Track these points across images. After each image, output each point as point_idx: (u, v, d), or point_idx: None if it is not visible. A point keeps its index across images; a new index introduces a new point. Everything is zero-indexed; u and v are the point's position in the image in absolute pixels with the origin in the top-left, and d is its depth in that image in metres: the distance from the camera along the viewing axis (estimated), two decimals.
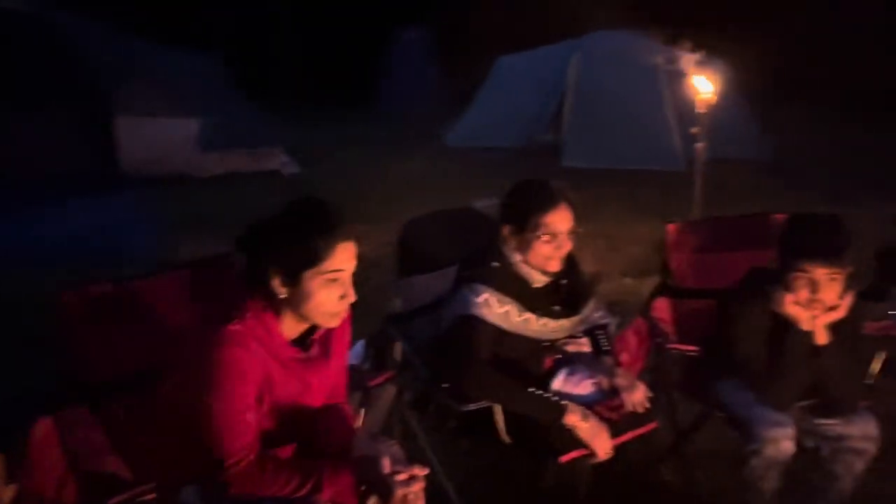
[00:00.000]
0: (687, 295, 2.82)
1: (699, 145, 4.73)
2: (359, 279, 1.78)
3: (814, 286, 2.19)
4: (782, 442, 2.22)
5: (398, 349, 2.47)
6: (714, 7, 11.63)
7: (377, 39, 13.76)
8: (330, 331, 1.85)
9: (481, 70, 10.41)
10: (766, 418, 2.27)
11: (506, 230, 2.29)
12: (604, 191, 7.42)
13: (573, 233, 2.25)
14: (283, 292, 1.71)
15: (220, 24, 14.45)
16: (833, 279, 2.19)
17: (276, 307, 1.74)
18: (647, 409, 2.28)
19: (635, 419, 2.28)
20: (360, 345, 2.65)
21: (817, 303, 2.21)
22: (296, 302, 1.72)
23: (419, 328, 2.51)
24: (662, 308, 2.78)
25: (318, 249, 1.69)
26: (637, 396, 2.27)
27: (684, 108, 7.71)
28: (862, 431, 2.26)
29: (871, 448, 2.26)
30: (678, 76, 6.70)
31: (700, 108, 4.72)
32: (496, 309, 2.22)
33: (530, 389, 2.17)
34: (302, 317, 1.76)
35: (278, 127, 9.59)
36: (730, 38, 9.13)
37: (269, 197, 2.79)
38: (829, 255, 2.16)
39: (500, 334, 2.23)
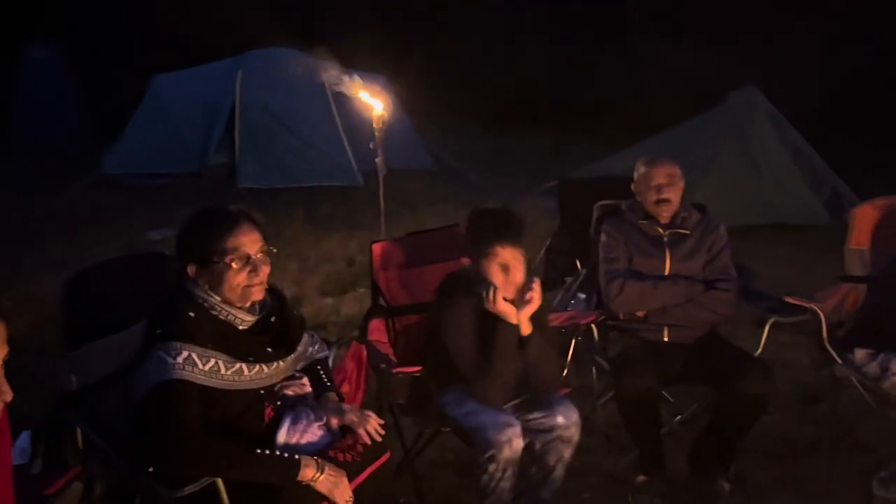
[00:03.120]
0: (399, 312, 2.79)
1: (378, 159, 4.80)
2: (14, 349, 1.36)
3: (505, 269, 2.38)
4: (514, 441, 2.30)
5: (79, 435, 1.99)
6: (372, 28, 12.21)
7: None
8: None
9: (132, 89, 9.42)
10: (494, 423, 2.32)
11: (191, 269, 1.99)
12: (287, 211, 7.23)
13: (265, 252, 2.03)
14: None
15: None
16: (518, 259, 2.41)
17: None
18: (382, 436, 2.17)
19: (369, 453, 2.14)
20: (23, 439, 2.09)
21: (510, 284, 2.40)
22: None
23: (104, 404, 2.05)
24: (378, 329, 2.71)
25: None
26: (371, 426, 2.15)
27: (354, 123, 7.88)
28: (566, 420, 2.43)
29: (575, 434, 2.45)
30: (344, 93, 6.80)
31: (375, 124, 4.78)
32: (201, 366, 1.91)
33: (257, 451, 1.90)
34: None
35: None
36: (387, 55, 9.64)
37: None
38: (511, 237, 2.41)
39: (210, 394, 1.92)
